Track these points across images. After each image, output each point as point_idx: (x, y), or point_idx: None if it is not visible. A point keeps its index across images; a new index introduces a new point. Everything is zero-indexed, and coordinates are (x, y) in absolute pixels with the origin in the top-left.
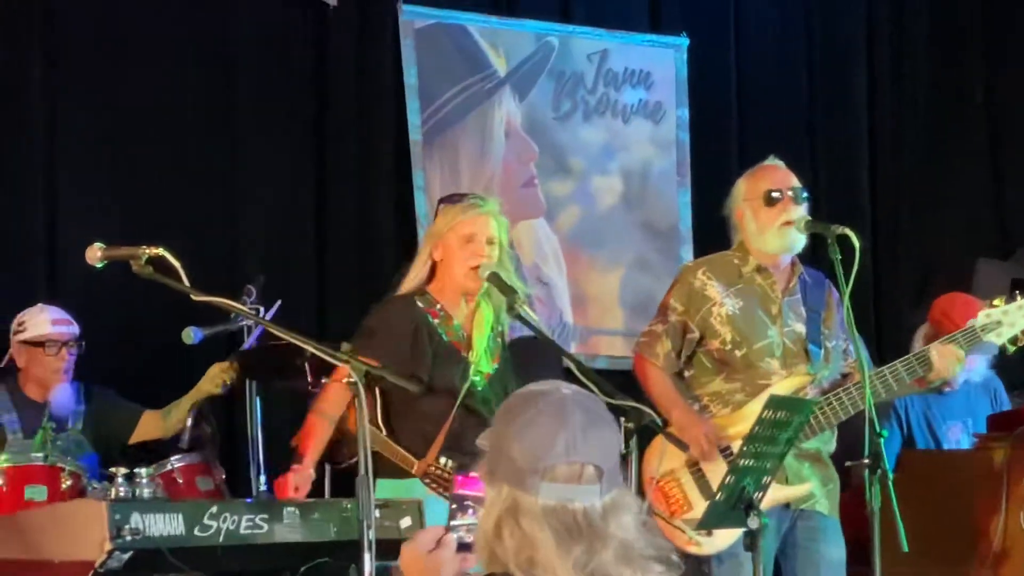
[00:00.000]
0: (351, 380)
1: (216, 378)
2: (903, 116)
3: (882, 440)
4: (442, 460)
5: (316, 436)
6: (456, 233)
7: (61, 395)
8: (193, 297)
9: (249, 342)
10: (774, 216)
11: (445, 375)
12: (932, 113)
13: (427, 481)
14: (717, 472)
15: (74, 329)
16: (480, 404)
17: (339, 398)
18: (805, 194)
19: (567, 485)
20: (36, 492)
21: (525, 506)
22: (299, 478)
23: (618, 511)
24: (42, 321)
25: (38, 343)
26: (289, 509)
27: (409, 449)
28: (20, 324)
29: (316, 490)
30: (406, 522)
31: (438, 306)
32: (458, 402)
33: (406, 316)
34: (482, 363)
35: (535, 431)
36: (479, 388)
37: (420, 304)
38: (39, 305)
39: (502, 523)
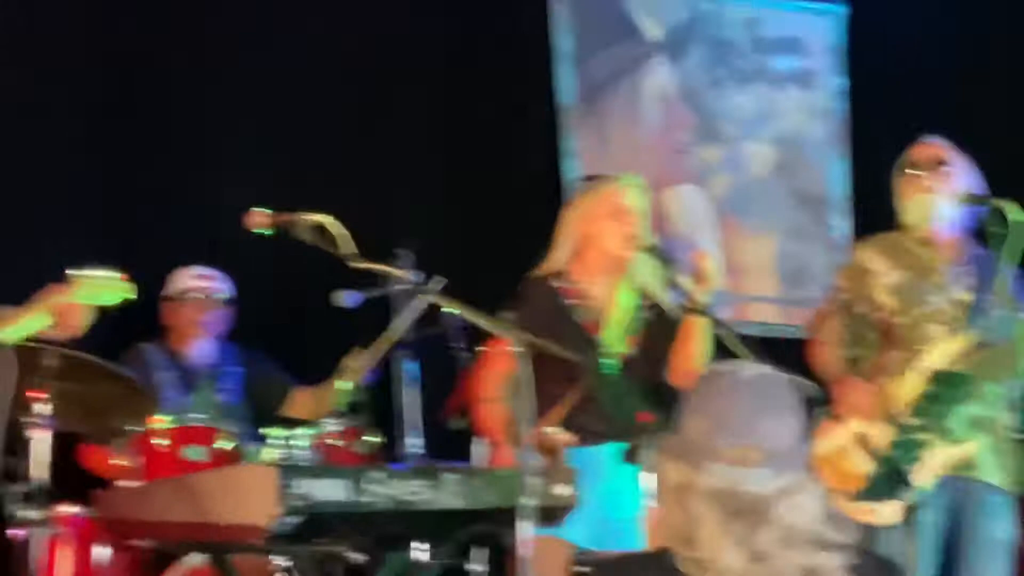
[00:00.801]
0: (515, 350)
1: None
2: None
3: None
4: (548, 430)
5: (498, 423)
6: (608, 206)
7: (199, 351)
8: (353, 264)
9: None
10: (912, 188)
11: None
12: None
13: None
14: (884, 443)
15: (217, 285)
16: (606, 386)
17: (498, 378)
18: (948, 168)
19: (735, 468)
20: (195, 452)
21: (694, 485)
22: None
23: (792, 495)
24: (183, 276)
25: (177, 297)
26: (450, 476)
27: None
28: (166, 284)
29: (463, 455)
30: (561, 490)
31: (575, 286)
32: (582, 384)
33: (542, 299)
34: (615, 344)
35: (708, 411)
36: (610, 370)
37: (555, 284)
38: (194, 267)
39: (672, 499)
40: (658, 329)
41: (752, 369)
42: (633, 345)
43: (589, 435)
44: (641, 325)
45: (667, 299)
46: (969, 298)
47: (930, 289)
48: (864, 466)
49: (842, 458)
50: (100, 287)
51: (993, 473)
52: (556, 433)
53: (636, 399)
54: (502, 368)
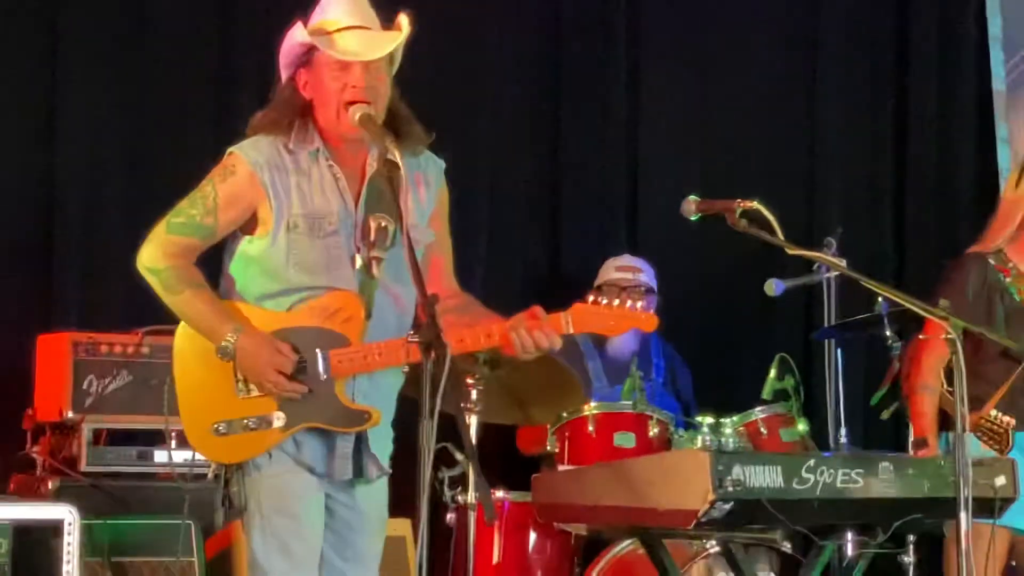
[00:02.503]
0: (949, 336)
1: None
2: None
3: None
4: (993, 413)
5: (929, 414)
6: None
7: (623, 340)
8: (788, 251)
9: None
10: None
11: (1017, 335)
12: None
13: (979, 434)
14: None
15: (640, 277)
16: None
17: (936, 365)
18: None
19: None
20: (625, 439)
21: None
22: None
23: None
24: (608, 267)
25: (605, 287)
26: (884, 464)
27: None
28: (617, 266)
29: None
30: (1000, 481)
31: (1011, 264)
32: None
33: (981, 275)
34: None
35: None
36: None
37: (993, 262)
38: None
39: None
40: None
41: None
42: None
43: None
44: None
45: None
46: None
47: None
48: None
49: None
50: None
51: None
52: (1000, 416)
53: None
54: (938, 355)
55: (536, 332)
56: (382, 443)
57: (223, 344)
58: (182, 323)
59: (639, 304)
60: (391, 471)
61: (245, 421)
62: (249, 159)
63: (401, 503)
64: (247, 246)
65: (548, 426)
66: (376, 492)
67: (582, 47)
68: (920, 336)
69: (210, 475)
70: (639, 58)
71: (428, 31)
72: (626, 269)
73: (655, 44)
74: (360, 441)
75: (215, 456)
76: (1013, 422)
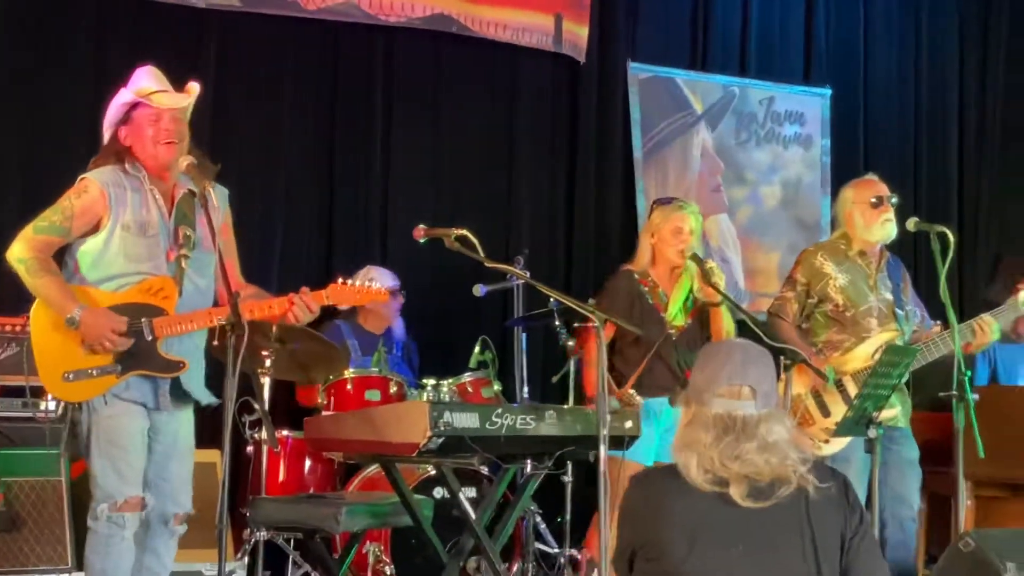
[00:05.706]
0: (595, 324)
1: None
2: (984, 137)
3: (967, 377)
4: (631, 392)
5: (595, 382)
6: (670, 226)
7: (398, 328)
8: (486, 264)
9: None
10: (878, 215)
11: (648, 330)
12: (1008, 133)
13: (624, 407)
14: (832, 398)
15: (392, 282)
16: (672, 350)
17: (596, 349)
18: (895, 200)
19: (730, 400)
20: (372, 394)
21: (700, 416)
22: None
23: (770, 422)
24: (368, 275)
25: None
26: (549, 412)
27: (616, 381)
28: (370, 278)
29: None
30: (628, 424)
31: (649, 278)
32: (652, 350)
33: (626, 284)
34: (676, 319)
35: (711, 365)
36: (673, 339)
37: (637, 276)
38: (375, 267)
39: (682, 428)
40: (698, 312)
41: (741, 340)
42: (687, 320)
43: (658, 389)
44: (690, 307)
45: (699, 292)
46: (890, 298)
47: (866, 291)
48: (815, 411)
49: (798, 402)
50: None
51: (903, 420)
52: (634, 396)
53: (691, 358)
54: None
55: (301, 303)
56: (196, 381)
57: (69, 316)
58: (38, 300)
59: (384, 286)
60: (214, 399)
61: (90, 371)
62: (99, 180)
63: (212, 437)
64: (88, 244)
65: (319, 386)
66: (185, 424)
67: (349, 115)
68: (579, 324)
69: (58, 412)
70: (392, 121)
71: (239, 98)
72: (383, 277)
73: (403, 111)
74: (176, 382)
75: (64, 396)
76: (642, 400)
